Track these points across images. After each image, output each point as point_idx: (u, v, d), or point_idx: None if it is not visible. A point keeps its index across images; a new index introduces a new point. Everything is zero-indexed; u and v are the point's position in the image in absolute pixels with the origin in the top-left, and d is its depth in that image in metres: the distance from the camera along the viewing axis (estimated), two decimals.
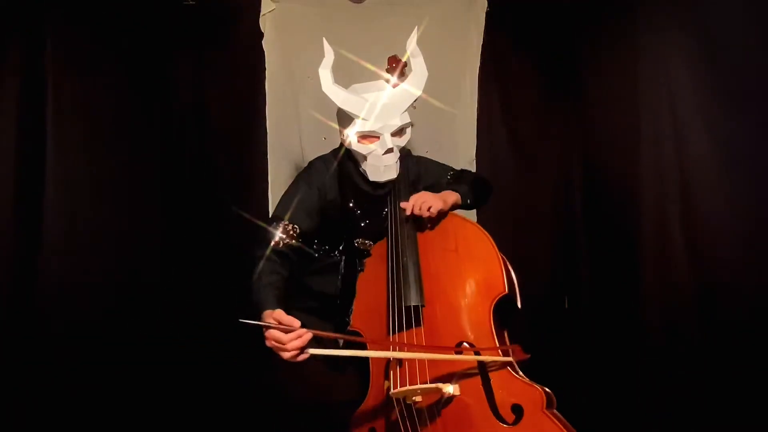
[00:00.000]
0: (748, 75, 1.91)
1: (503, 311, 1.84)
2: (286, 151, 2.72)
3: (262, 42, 2.70)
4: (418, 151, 2.65)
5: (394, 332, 1.80)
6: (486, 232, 1.86)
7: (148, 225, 2.55)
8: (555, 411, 1.70)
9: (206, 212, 2.69)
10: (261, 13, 2.69)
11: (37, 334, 2.21)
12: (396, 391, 1.72)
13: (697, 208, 2.09)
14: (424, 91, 1.99)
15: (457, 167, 2.70)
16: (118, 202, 2.45)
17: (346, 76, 2.48)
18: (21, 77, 2.20)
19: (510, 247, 2.63)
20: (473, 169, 2.72)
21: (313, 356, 1.64)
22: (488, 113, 2.74)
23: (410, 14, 2.72)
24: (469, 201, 2.01)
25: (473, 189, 2.04)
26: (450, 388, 1.69)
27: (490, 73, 2.73)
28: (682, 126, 2.14)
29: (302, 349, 1.62)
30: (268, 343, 1.65)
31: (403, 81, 2.02)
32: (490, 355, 1.70)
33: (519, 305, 1.83)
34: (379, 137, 1.95)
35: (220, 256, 2.67)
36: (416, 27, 1.99)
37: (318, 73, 1.99)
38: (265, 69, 2.69)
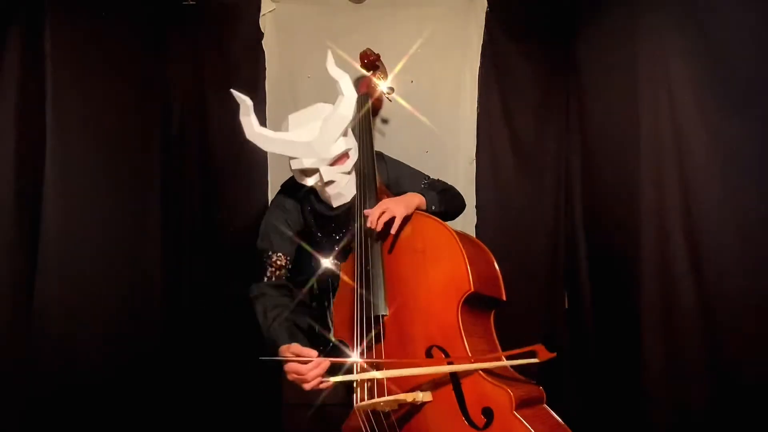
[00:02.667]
0: (748, 73, 1.90)
1: (487, 307, 1.82)
2: None
3: (262, 42, 2.70)
4: (418, 151, 2.65)
5: (363, 342, 1.75)
6: (451, 230, 1.77)
7: (147, 225, 2.55)
8: (543, 406, 1.68)
9: (206, 212, 2.69)
10: (261, 13, 2.70)
11: (36, 341, 2.21)
12: (362, 404, 1.69)
13: (698, 208, 2.09)
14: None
15: (458, 167, 2.73)
16: (118, 202, 2.44)
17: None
18: (20, 77, 2.19)
19: (510, 246, 2.67)
20: (473, 169, 2.73)
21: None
22: (488, 113, 2.74)
23: (410, 14, 2.73)
24: (434, 207, 1.93)
25: (441, 198, 1.98)
26: (421, 395, 1.64)
27: (490, 73, 2.73)
28: (682, 125, 2.13)
29: (322, 378, 1.68)
30: (289, 377, 1.70)
31: (376, 75, 1.94)
32: (484, 362, 1.64)
33: (504, 298, 1.81)
34: (317, 171, 1.92)
35: (220, 255, 2.67)
36: (328, 51, 1.93)
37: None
38: (265, 69, 2.70)
